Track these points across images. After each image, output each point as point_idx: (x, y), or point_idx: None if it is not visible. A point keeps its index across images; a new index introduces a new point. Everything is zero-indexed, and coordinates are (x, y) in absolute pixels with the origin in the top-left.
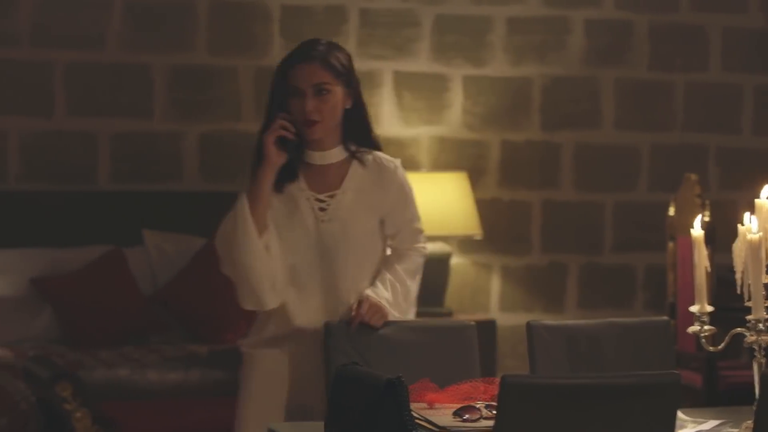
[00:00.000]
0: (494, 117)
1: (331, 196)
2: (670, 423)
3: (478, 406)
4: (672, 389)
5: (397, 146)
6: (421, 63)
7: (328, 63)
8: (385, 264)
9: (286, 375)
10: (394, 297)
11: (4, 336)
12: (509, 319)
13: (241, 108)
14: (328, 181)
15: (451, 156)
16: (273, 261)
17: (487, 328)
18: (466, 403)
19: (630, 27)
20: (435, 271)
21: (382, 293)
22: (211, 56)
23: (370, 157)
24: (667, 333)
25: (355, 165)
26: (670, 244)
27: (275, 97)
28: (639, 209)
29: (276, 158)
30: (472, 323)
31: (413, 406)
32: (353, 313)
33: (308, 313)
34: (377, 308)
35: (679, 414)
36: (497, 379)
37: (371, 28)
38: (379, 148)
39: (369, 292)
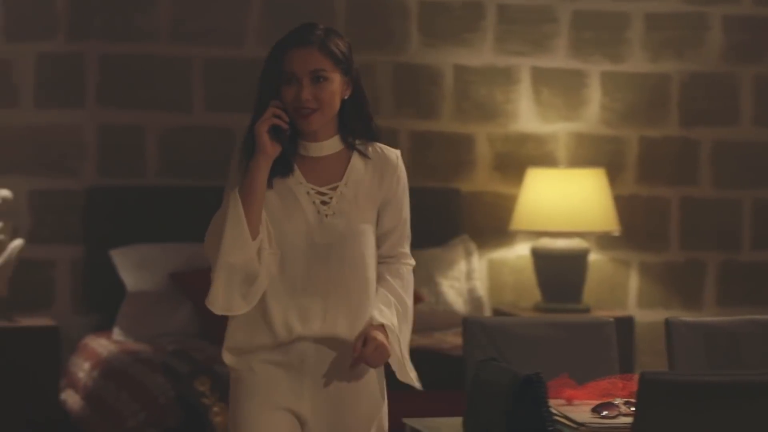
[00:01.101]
0: (632, 113)
1: (333, 189)
2: None
3: (616, 402)
4: None
5: (535, 142)
6: (559, 59)
7: (327, 48)
8: (380, 280)
9: (285, 397)
10: (399, 321)
11: (143, 331)
12: (647, 316)
13: (379, 103)
14: (326, 173)
15: (589, 152)
16: (261, 268)
17: (626, 324)
18: (604, 400)
19: None
20: (573, 267)
21: (389, 317)
22: None
23: (370, 147)
24: None
25: (355, 156)
26: None
27: (267, 84)
28: None
29: (271, 149)
30: (611, 320)
31: (551, 402)
32: (355, 353)
33: (310, 318)
34: (381, 349)
35: None
36: (636, 376)
37: (509, 24)
38: (378, 139)
39: (377, 315)
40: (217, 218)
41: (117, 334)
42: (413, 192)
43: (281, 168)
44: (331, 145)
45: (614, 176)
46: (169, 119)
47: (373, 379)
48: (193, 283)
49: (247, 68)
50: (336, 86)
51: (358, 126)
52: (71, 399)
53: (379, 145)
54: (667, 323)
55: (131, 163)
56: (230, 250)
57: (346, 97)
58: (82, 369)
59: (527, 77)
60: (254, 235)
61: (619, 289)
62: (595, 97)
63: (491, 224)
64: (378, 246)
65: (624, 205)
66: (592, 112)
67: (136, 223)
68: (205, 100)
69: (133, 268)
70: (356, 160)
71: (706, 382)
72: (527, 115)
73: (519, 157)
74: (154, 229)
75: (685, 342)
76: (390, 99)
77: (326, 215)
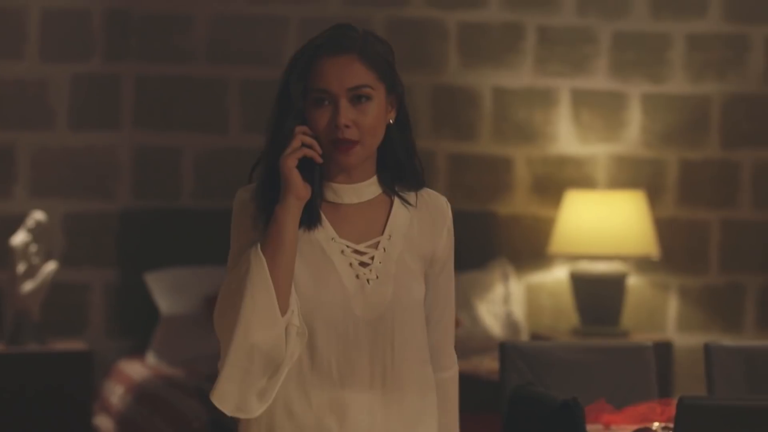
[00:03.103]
0: (672, 135)
1: (373, 246)
2: None
3: (654, 427)
4: None
5: (574, 164)
6: (599, 80)
7: (370, 56)
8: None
9: None
10: None
11: (177, 355)
12: (687, 340)
13: (417, 125)
14: (362, 225)
15: (629, 174)
16: (288, 355)
17: (664, 348)
18: (642, 425)
19: None
20: (611, 291)
21: None
22: None
23: (413, 193)
24: None
25: (397, 203)
26: None
27: (289, 105)
28: None
29: (303, 190)
30: (649, 344)
31: (589, 427)
32: None
33: (351, 418)
34: None
35: None
36: (674, 401)
37: (549, 45)
38: (423, 184)
39: None
40: (230, 287)
41: (151, 358)
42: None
43: (305, 218)
44: (369, 189)
45: (654, 199)
46: (205, 141)
47: None
48: None
49: None
50: (381, 107)
51: (401, 164)
52: (104, 423)
53: (426, 190)
54: (707, 348)
55: (166, 186)
56: (253, 327)
57: (390, 122)
58: (116, 393)
59: (567, 99)
60: (284, 307)
61: (658, 312)
62: (635, 118)
63: (529, 247)
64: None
65: (664, 227)
66: (632, 134)
67: (170, 246)
68: (242, 121)
69: (168, 292)
70: (398, 207)
71: (745, 406)
72: (566, 137)
73: (558, 180)
74: (189, 252)
75: (724, 367)
76: (428, 121)
77: (368, 280)
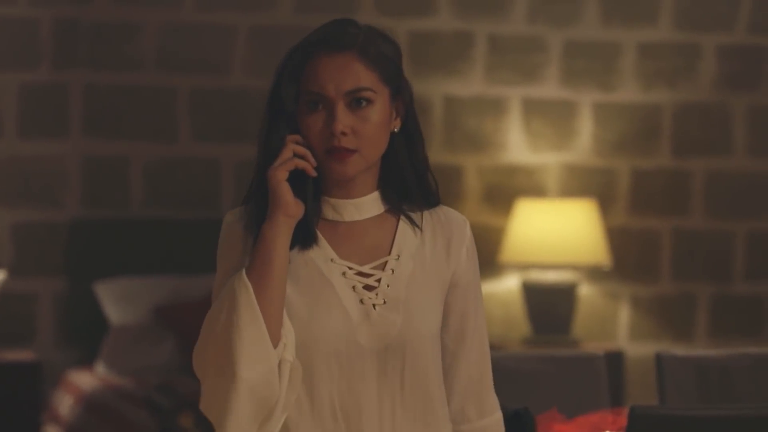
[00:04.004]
0: (624, 143)
1: (380, 267)
2: None
3: None
4: None
5: (525, 173)
6: (550, 89)
7: (371, 55)
8: None
9: None
10: None
11: (127, 365)
12: (638, 348)
13: None
14: (365, 245)
15: (580, 183)
16: (281, 391)
17: (616, 358)
18: None
19: (763, 52)
20: (562, 300)
21: None
22: None
23: (423, 211)
24: None
25: (404, 221)
26: None
27: (279, 109)
28: None
29: (294, 207)
30: (601, 354)
31: None
32: None
33: None
34: None
35: None
36: (626, 410)
37: (499, 54)
38: (437, 202)
39: None
40: (211, 319)
41: (100, 368)
42: None
43: (299, 237)
44: (371, 204)
45: (605, 207)
46: (154, 150)
47: None
48: (178, 316)
49: (233, 98)
50: (384, 113)
51: (406, 178)
52: None
53: (442, 207)
54: (658, 357)
55: (115, 195)
56: (239, 361)
57: (395, 130)
58: (65, 404)
59: (517, 107)
60: (274, 338)
61: (610, 322)
62: (586, 127)
63: (480, 256)
64: (445, 371)
65: (615, 236)
66: (583, 143)
67: (120, 255)
68: (191, 130)
69: (117, 302)
70: (406, 225)
71: (696, 416)
72: (517, 145)
73: (508, 189)
74: (138, 261)
75: (675, 376)
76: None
77: (374, 305)
